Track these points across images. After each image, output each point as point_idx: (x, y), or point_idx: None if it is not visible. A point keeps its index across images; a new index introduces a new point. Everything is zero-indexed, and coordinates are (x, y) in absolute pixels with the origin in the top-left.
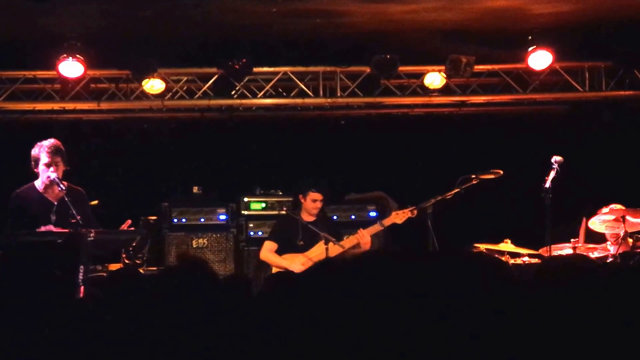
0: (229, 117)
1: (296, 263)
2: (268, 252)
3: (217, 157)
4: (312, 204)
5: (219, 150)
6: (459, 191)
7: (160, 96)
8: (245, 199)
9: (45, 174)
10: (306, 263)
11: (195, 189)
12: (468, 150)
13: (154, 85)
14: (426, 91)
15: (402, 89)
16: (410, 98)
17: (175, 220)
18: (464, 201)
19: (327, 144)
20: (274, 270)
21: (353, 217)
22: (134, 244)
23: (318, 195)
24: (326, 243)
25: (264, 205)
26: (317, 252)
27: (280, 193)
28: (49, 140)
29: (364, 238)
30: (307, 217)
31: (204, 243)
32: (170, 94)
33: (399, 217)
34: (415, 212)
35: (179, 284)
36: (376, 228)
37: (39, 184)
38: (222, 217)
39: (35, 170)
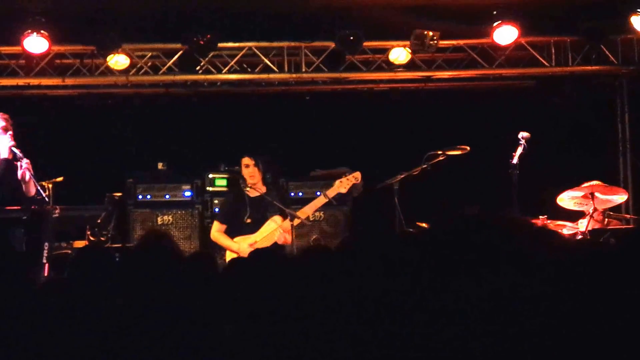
0: (194, 93)
1: (244, 246)
2: (216, 232)
3: (182, 133)
4: (245, 170)
5: (184, 126)
6: (426, 167)
7: (125, 72)
8: (210, 175)
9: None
10: (254, 246)
11: (160, 165)
12: (434, 126)
13: (118, 60)
14: (391, 66)
15: (367, 64)
16: (375, 73)
17: (140, 196)
18: (431, 177)
19: (292, 119)
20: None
21: (318, 193)
22: (99, 221)
23: (248, 160)
24: (292, 219)
25: (228, 181)
26: (265, 232)
27: None
28: None
29: (284, 235)
30: (253, 192)
31: (169, 220)
32: (134, 69)
33: (342, 185)
34: (360, 178)
35: (145, 260)
36: (321, 201)
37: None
38: (187, 193)
39: None
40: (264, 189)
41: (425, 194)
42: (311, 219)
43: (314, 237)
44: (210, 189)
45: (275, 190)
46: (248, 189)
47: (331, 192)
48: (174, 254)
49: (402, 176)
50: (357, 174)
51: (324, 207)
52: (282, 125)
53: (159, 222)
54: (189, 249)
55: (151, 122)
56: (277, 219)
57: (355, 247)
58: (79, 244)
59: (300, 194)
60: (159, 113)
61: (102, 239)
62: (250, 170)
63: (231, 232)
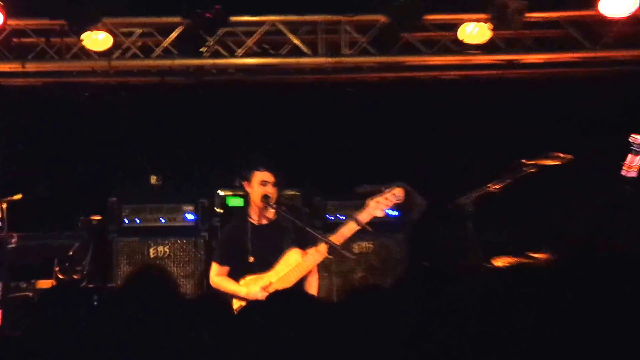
0: (198, 83)
1: (255, 290)
2: (216, 277)
3: (182, 136)
4: (260, 189)
5: (185, 127)
6: (510, 182)
7: (107, 54)
8: (221, 193)
9: None
10: (268, 288)
11: (153, 179)
12: (521, 127)
13: (97, 39)
14: (462, 47)
15: (429, 44)
16: (441, 57)
17: (127, 220)
18: (517, 196)
19: (328, 117)
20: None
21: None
22: (71, 253)
23: (267, 174)
24: (330, 253)
25: (245, 200)
26: (282, 270)
27: None
28: None
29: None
30: (260, 217)
31: (165, 252)
32: (119, 51)
33: (379, 205)
34: (402, 196)
35: (133, 306)
36: (351, 228)
37: None
38: (190, 217)
39: None
40: (272, 214)
41: (508, 218)
42: (356, 252)
43: (360, 274)
44: (221, 210)
45: (294, 214)
46: (271, 209)
47: (364, 217)
48: (172, 297)
49: (479, 194)
50: (398, 190)
51: (372, 236)
52: (316, 126)
53: (152, 256)
54: (192, 291)
55: (141, 122)
56: (295, 253)
57: (416, 288)
58: (44, 284)
59: (342, 217)
60: (151, 109)
61: (75, 277)
62: (268, 190)
63: (236, 274)
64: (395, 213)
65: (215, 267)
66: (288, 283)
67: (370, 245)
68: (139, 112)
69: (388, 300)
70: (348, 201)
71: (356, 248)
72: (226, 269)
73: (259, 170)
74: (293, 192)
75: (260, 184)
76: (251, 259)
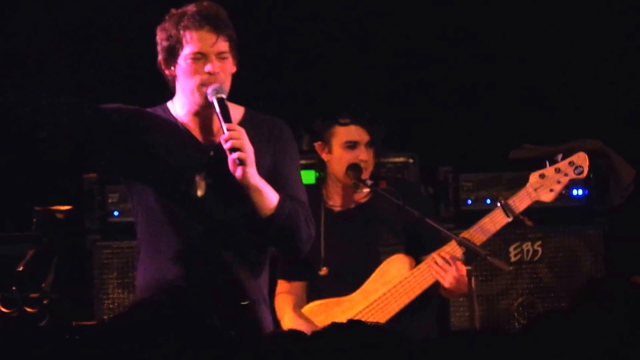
0: None
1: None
2: (280, 299)
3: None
4: (346, 154)
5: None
6: None
7: None
8: None
9: (198, 81)
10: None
11: None
12: None
13: None
14: None
15: None
16: None
17: (117, 212)
18: None
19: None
20: None
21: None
22: (20, 269)
23: (356, 130)
24: (468, 261)
25: (320, 174)
26: (381, 287)
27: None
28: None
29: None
30: (344, 200)
31: None
32: None
33: (547, 182)
34: (585, 163)
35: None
36: (498, 222)
37: (177, 104)
38: None
39: (167, 71)
40: (364, 196)
41: None
42: (513, 260)
43: (520, 299)
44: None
45: (405, 196)
46: (363, 189)
47: (519, 202)
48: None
49: None
50: (579, 157)
51: (540, 233)
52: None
53: None
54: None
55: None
56: (400, 261)
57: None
58: None
59: (488, 200)
60: None
61: (29, 309)
62: (361, 154)
63: (316, 292)
64: (579, 191)
65: (280, 286)
66: (383, 315)
67: (539, 249)
68: None
69: (577, 343)
70: (496, 174)
71: (513, 254)
72: (299, 285)
73: (341, 123)
74: (403, 159)
75: (346, 145)
76: (323, 271)
